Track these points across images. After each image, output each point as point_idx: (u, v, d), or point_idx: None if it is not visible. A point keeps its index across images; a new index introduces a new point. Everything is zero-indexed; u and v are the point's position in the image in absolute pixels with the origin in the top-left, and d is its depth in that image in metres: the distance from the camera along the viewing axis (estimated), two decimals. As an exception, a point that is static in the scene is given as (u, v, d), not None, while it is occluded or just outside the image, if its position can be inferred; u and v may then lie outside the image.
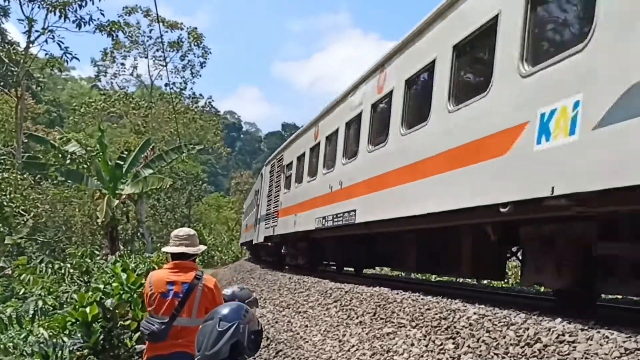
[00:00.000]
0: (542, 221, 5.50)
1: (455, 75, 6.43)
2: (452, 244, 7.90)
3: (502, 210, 5.27)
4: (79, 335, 6.55)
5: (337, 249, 12.73)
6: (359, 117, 9.72)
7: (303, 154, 13.81)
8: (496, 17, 5.61)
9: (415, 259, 9.27)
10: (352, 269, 14.02)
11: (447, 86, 6.48)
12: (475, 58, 6.55)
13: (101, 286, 7.11)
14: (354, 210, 9.42)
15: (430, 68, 7.05)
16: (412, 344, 5.39)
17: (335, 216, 10.44)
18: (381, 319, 6.54)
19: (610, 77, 4.10)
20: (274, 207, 16.62)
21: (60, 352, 6.27)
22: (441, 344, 5.04)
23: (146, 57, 44.01)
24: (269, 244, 18.18)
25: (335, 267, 14.17)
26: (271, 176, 18.09)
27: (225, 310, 2.53)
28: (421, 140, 7.13)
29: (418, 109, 7.49)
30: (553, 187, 4.57)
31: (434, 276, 12.57)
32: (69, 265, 11.65)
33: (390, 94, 8.39)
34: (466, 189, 5.91)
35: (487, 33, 5.78)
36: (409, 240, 9.25)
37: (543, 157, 4.70)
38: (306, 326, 7.94)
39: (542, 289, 9.99)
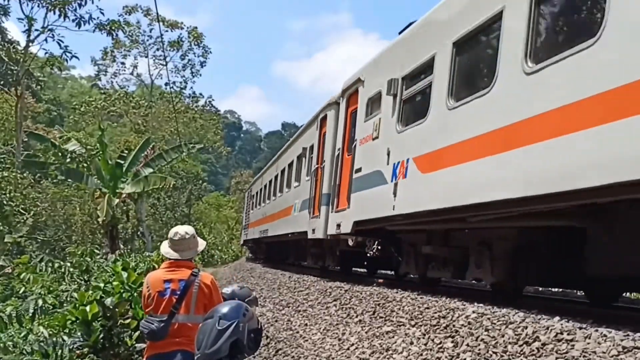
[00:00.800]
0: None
1: (288, 173, 15.54)
2: (300, 248, 15.21)
3: (289, 236, 14.08)
4: (79, 333, 6.56)
5: (281, 249, 19.45)
6: (270, 181, 19.18)
7: (257, 192, 23.55)
8: (302, 152, 13.60)
9: (295, 256, 16.88)
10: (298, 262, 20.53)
11: (286, 179, 15.68)
12: (295, 171, 14.58)
13: (101, 285, 7.12)
14: (268, 229, 18.29)
15: (290, 166, 15.55)
16: (412, 343, 5.41)
17: (263, 231, 19.38)
18: (380, 317, 6.55)
19: (300, 196, 13.17)
20: (247, 221, 26.60)
21: (60, 350, 6.29)
22: (440, 343, 5.06)
23: (146, 57, 44.07)
24: (249, 244, 27.22)
25: (293, 262, 20.20)
26: (247, 199, 28.59)
27: (225, 308, 2.54)
28: (278, 201, 16.75)
29: (283, 184, 16.29)
30: (295, 229, 13.18)
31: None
32: (69, 264, 11.67)
33: (277, 176, 17.66)
34: (285, 227, 14.61)
35: (301, 160, 13.86)
36: (292, 247, 16.83)
37: (296, 218, 13.25)
38: (306, 325, 7.96)
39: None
